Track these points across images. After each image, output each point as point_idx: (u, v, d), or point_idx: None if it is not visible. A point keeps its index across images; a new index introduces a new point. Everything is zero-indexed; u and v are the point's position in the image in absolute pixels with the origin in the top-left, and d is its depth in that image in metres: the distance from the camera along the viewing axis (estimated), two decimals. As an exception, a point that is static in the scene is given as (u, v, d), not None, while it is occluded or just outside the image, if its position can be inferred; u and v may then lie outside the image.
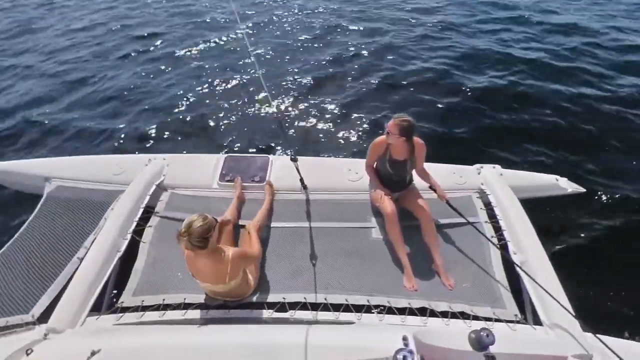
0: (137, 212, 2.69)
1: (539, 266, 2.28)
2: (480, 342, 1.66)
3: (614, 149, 4.31)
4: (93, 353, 1.50)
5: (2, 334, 1.94)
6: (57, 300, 2.11)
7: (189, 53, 6.92)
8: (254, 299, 2.26)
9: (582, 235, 3.32)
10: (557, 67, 5.97)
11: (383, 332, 1.82)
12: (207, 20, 8.49)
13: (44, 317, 2.03)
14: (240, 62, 6.40)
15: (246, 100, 5.37)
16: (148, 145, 4.61)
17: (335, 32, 7.53)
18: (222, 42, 7.12)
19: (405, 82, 5.68)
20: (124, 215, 2.60)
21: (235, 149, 4.44)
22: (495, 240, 2.57)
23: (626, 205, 3.58)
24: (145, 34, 7.84)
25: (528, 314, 2.23)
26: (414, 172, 2.74)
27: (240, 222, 2.75)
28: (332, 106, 5.19)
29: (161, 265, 2.49)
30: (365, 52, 6.65)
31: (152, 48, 7.24)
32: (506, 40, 6.97)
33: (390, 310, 2.18)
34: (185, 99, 5.51)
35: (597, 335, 1.83)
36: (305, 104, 5.25)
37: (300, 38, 7.20)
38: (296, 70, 6.09)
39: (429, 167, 2.79)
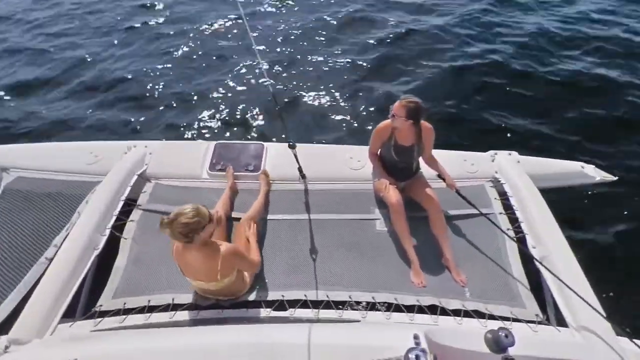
0: (116, 205, 2.43)
1: (562, 262, 2.09)
2: (499, 343, 1.48)
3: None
4: None
5: None
6: (22, 307, 1.86)
7: (174, 31, 6.47)
8: (250, 297, 2.08)
9: (613, 228, 3.10)
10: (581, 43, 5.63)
11: (391, 331, 1.69)
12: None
13: (4, 327, 1.78)
14: (235, 43, 6.00)
15: (238, 81, 5.05)
16: (126, 131, 4.29)
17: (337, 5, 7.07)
18: (216, 24, 6.69)
19: (411, 63, 5.36)
20: (101, 208, 2.34)
21: (227, 135, 4.17)
22: (511, 233, 2.38)
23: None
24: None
25: (550, 314, 2.06)
26: (421, 159, 2.55)
27: (234, 215, 2.54)
28: (333, 89, 4.89)
29: (145, 263, 2.26)
30: (370, 31, 6.27)
31: (133, 24, 6.77)
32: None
33: (397, 308, 2.02)
34: (168, 79, 5.15)
35: (634, 340, 1.65)
36: (305, 86, 4.93)
37: (299, 19, 6.78)
38: (295, 50, 5.73)
39: (438, 153, 2.59)
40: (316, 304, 2.02)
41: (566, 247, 2.17)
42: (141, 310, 1.97)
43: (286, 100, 4.67)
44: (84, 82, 5.25)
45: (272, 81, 4.32)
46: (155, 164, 2.78)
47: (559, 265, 2.07)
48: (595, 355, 1.68)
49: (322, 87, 4.91)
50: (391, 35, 5.99)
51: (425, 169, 2.60)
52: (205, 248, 1.80)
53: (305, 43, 5.90)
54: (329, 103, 4.68)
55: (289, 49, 5.71)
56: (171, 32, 6.36)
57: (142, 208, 2.53)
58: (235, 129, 4.31)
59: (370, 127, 2.54)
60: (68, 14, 7.34)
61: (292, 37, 6.08)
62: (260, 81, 4.92)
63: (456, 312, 2.01)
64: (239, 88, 4.92)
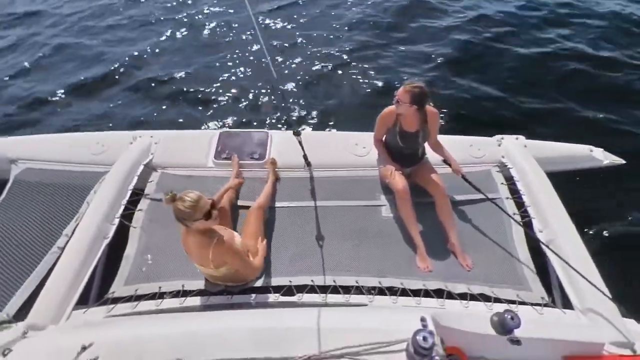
0: (124, 194, 2.46)
1: (569, 245, 2.09)
2: (504, 325, 1.51)
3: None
4: (84, 348, 1.36)
5: None
6: (36, 294, 1.91)
7: (176, 18, 6.38)
8: (258, 283, 2.11)
9: (621, 212, 3.07)
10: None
11: (398, 314, 1.71)
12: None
13: (21, 314, 1.84)
14: (237, 25, 5.91)
15: (242, 70, 4.99)
16: (131, 122, 4.27)
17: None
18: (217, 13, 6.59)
19: (416, 49, 5.25)
20: (109, 198, 2.37)
21: (231, 123, 4.15)
22: (518, 217, 2.37)
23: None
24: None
25: (557, 296, 2.07)
26: (426, 145, 2.52)
27: (240, 203, 2.56)
28: (336, 75, 4.82)
29: (155, 250, 2.30)
30: (365, 12, 6.16)
31: (132, 13, 6.69)
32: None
33: (404, 292, 2.05)
34: (171, 68, 5.10)
35: None
36: (308, 73, 4.87)
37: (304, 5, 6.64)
38: (299, 34, 5.64)
39: (443, 139, 2.56)
40: (323, 289, 2.05)
41: (573, 230, 2.16)
42: (152, 296, 2.01)
43: (290, 87, 4.62)
44: (84, 73, 5.24)
45: (274, 68, 4.26)
46: (161, 153, 2.79)
47: (565, 249, 2.07)
48: (601, 337, 1.68)
49: (325, 74, 4.86)
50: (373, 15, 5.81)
51: (430, 154, 2.58)
52: (201, 235, 1.83)
53: (309, 29, 5.80)
54: (333, 90, 4.62)
55: (294, 36, 5.63)
56: (170, 21, 6.29)
57: (149, 197, 2.55)
58: (239, 117, 4.28)
59: (375, 113, 2.50)
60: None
61: (297, 23, 5.98)
62: (264, 69, 4.86)
63: (462, 296, 2.02)
64: (243, 76, 4.87)
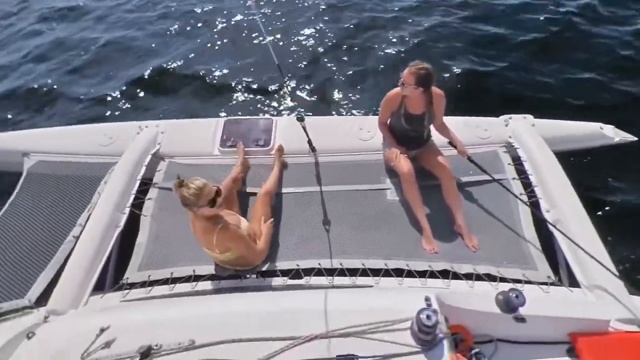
0: (134, 184, 2.51)
1: (576, 224, 2.08)
2: (509, 304, 1.52)
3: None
4: (102, 330, 1.42)
5: None
6: (55, 281, 1.99)
7: (173, 7, 6.32)
8: (267, 267, 2.16)
9: (633, 190, 3.01)
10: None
11: (403, 294, 1.73)
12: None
13: (42, 300, 1.92)
14: (239, 17, 5.82)
15: (242, 55, 4.95)
16: (135, 111, 4.31)
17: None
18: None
19: (421, 28, 5.12)
20: (119, 188, 2.43)
21: (236, 111, 4.15)
22: (524, 197, 2.36)
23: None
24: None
25: (563, 275, 2.07)
26: (431, 127, 2.49)
27: (247, 190, 2.59)
28: (340, 59, 4.75)
29: (166, 237, 2.36)
30: None
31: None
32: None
33: (409, 274, 2.07)
34: (173, 56, 5.08)
35: None
36: (311, 58, 4.81)
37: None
38: (300, 21, 5.54)
39: (449, 120, 2.54)
40: (330, 272, 2.09)
41: (581, 209, 2.15)
42: (165, 281, 2.08)
43: (293, 73, 4.58)
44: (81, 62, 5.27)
45: (278, 59, 4.22)
46: (167, 142, 2.82)
47: (572, 228, 2.06)
48: (607, 313, 1.69)
49: (329, 58, 4.79)
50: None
51: (436, 136, 2.56)
52: (206, 221, 1.88)
53: (310, 13, 5.69)
54: (336, 74, 4.56)
55: (295, 20, 5.53)
56: (167, 11, 6.23)
57: (158, 186, 2.60)
58: (243, 104, 4.28)
59: (379, 97, 2.47)
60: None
61: (297, 8, 5.87)
62: (265, 55, 4.81)
63: (468, 276, 2.04)
64: (245, 63, 4.83)
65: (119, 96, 4.61)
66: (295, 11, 5.80)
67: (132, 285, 2.08)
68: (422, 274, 2.06)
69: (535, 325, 1.59)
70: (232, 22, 5.72)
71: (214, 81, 4.63)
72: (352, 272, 2.08)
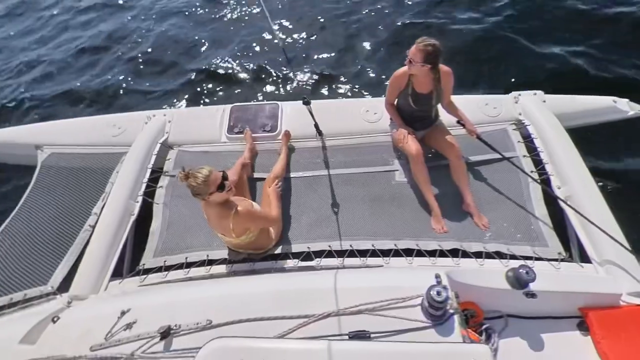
0: (144, 173, 2.56)
1: (587, 200, 2.06)
2: (520, 280, 1.54)
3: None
4: (123, 313, 1.49)
5: (23, 307, 1.93)
6: (75, 269, 2.07)
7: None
8: (278, 250, 2.21)
9: None
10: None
11: (414, 273, 1.75)
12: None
13: (63, 286, 2.01)
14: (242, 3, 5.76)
15: (248, 41, 4.88)
16: (143, 101, 4.32)
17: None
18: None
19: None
20: (131, 177, 2.48)
21: (241, 97, 4.13)
22: (535, 175, 2.33)
23: None
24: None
25: (574, 251, 2.07)
26: (440, 106, 2.45)
27: (255, 175, 2.61)
28: (344, 40, 4.65)
29: (178, 224, 2.41)
30: None
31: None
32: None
33: (419, 253, 2.09)
34: (176, 44, 5.05)
35: None
36: (315, 40, 4.72)
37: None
38: (304, 2, 5.42)
39: (458, 99, 2.49)
40: (341, 254, 2.12)
41: (592, 185, 2.12)
42: (180, 266, 2.14)
43: (297, 56, 4.50)
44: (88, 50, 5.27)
45: (281, 37, 4.16)
46: (175, 131, 2.84)
47: (584, 204, 2.05)
48: (618, 287, 1.69)
49: (333, 39, 4.69)
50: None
51: (444, 116, 2.52)
52: (220, 207, 1.90)
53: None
54: (342, 56, 4.47)
55: (298, 2, 5.41)
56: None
57: (168, 174, 2.64)
58: (248, 90, 4.25)
59: (385, 77, 2.44)
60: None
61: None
62: (269, 39, 4.76)
63: (478, 255, 2.05)
64: (249, 47, 4.77)
65: (123, 86, 4.62)
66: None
67: (148, 271, 2.15)
68: (431, 254, 2.08)
69: (546, 301, 1.60)
70: (234, 5, 5.64)
71: (218, 67, 4.59)
72: (362, 253, 2.10)
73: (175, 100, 4.28)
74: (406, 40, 3.97)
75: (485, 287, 1.61)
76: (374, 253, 2.11)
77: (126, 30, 5.60)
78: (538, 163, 2.40)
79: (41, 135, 2.90)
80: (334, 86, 4.14)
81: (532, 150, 2.48)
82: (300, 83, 4.18)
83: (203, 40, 5.10)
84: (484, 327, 1.64)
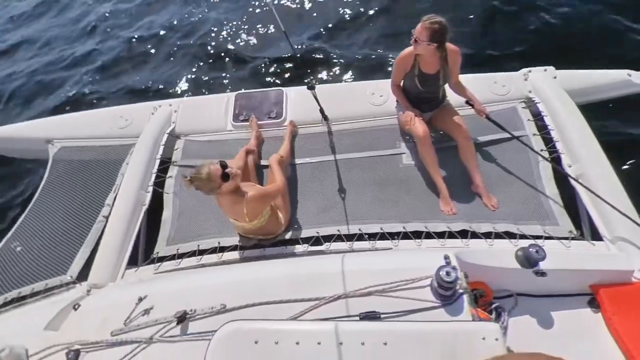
0: (153, 163, 2.59)
1: (599, 177, 2.03)
2: (529, 259, 1.54)
3: None
4: (140, 299, 1.54)
5: (44, 296, 2.01)
6: (91, 259, 2.13)
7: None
8: (287, 235, 2.24)
9: None
10: None
11: (423, 254, 1.76)
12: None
13: (81, 276, 2.08)
14: None
15: (248, 23, 4.81)
16: (147, 92, 4.33)
17: None
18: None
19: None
20: (141, 168, 2.51)
21: (244, 83, 4.10)
22: (545, 153, 2.30)
23: None
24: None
25: (585, 230, 2.05)
26: (447, 86, 2.41)
27: (262, 163, 2.62)
28: (347, 22, 4.54)
29: (189, 212, 2.46)
30: None
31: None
32: None
33: (428, 236, 2.10)
34: (176, 30, 5.00)
35: None
36: (318, 22, 4.61)
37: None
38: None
39: (465, 78, 2.44)
40: (350, 238, 2.14)
41: (604, 162, 2.08)
42: (193, 253, 2.19)
43: (301, 39, 4.43)
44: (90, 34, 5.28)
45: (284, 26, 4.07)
46: (181, 121, 2.86)
47: (595, 181, 2.02)
48: (630, 264, 1.68)
49: (335, 21, 4.59)
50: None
51: (452, 96, 2.48)
52: (232, 195, 1.96)
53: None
54: (345, 37, 4.38)
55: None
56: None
57: (177, 164, 2.67)
58: (251, 76, 4.22)
59: (392, 58, 2.39)
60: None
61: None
62: (271, 22, 4.67)
63: (487, 235, 2.05)
64: (250, 32, 4.70)
65: (125, 75, 4.63)
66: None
67: (162, 259, 2.20)
68: (440, 235, 2.08)
69: (556, 279, 1.60)
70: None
71: (220, 53, 4.55)
72: (371, 236, 2.12)
73: (177, 89, 4.26)
74: (414, 20, 3.88)
75: (494, 267, 1.61)
76: (382, 236, 2.12)
77: (119, 17, 5.55)
78: (548, 141, 2.36)
79: (51, 129, 2.94)
80: (338, 69, 4.07)
81: (542, 128, 2.43)
82: (304, 66, 4.11)
83: (201, 24, 5.03)
84: (494, 306, 1.65)
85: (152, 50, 4.91)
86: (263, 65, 4.31)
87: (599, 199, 1.92)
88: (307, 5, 4.92)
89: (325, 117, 2.67)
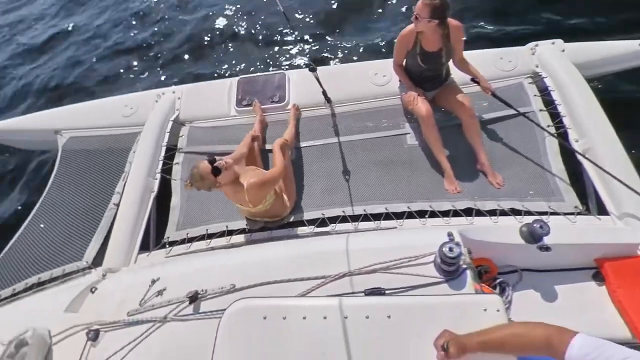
0: (160, 151, 2.63)
1: (607, 152, 2.00)
2: (533, 234, 1.54)
3: None
4: (154, 281, 1.60)
5: (62, 281, 2.10)
6: (105, 245, 2.20)
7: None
8: (293, 218, 2.27)
9: None
10: None
11: (426, 232, 1.78)
12: None
13: (96, 261, 2.16)
14: None
15: (247, 11, 4.74)
16: (149, 80, 4.34)
17: None
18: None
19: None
20: (148, 156, 2.56)
21: (245, 68, 4.08)
22: (552, 129, 2.27)
23: None
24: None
25: (591, 204, 2.04)
26: (451, 64, 2.37)
27: (267, 147, 2.63)
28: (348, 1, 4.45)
29: (197, 198, 2.49)
30: None
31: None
32: None
33: (433, 215, 2.10)
34: (174, 17, 4.95)
35: None
36: (317, 3, 4.53)
37: None
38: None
39: (470, 55, 2.39)
40: (355, 218, 2.16)
41: (613, 136, 2.05)
42: (202, 237, 2.25)
43: (301, 20, 4.34)
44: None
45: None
46: (185, 108, 2.87)
47: (603, 156, 1.99)
48: (636, 237, 1.67)
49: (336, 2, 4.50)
50: None
51: (456, 74, 2.44)
52: (232, 185, 2.01)
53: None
54: (346, 16, 4.29)
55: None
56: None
57: (183, 151, 2.70)
58: (252, 59, 4.18)
59: (394, 36, 2.34)
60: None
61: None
62: (270, 5, 4.59)
63: (492, 212, 2.05)
64: (248, 12, 4.63)
65: (124, 64, 4.62)
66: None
67: (173, 243, 2.26)
68: (445, 214, 2.09)
69: (561, 253, 1.61)
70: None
71: (218, 37, 4.50)
72: (376, 216, 2.13)
73: (178, 75, 4.24)
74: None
75: (498, 243, 1.62)
76: (387, 216, 2.13)
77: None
78: (555, 116, 2.32)
79: (58, 120, 2.99)
80: (339, 49, 4.00)
81: (549, 103, 2.38)
82: (305, 48, 4.05)
83: (196, 7, 4.96)
84: (498, 281, 1.68)
85: (148, 34, 4.87)
86: (261, 47, 4.25)
87: (605, 173, 1.91)
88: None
89: (328, 100, 2.65)
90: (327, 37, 4.14)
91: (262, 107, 2.77)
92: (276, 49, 4.20)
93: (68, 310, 1.61)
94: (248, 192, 1.96)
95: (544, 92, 2.44)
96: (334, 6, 4.43)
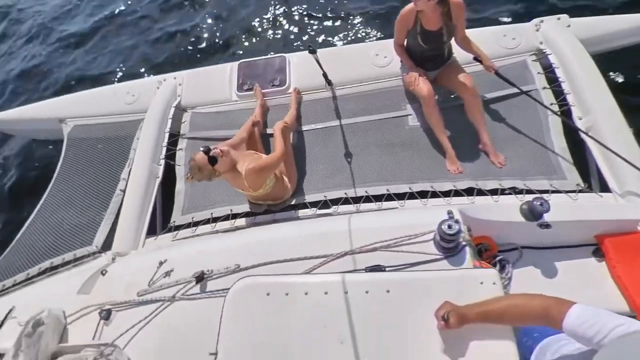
0: (163, 137, 2.66)
1: (611, 129, 1.98)
2: (534, 211, 1.55)
3: None
4: (161, 263, 1.66)
5: (74, 265, 2.17)
6: (113, 230, 2.26)
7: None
8: (296, 200, 2.29)
9: None
10: None
11: (427, 212, 1.79)
12: None
13: (106, 245, 2.22)
14: None
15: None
16: (150, 66, 4.31)
17: None
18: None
19: None
20: (151, 142, 2.58)
21: (245, 52, 4.03)
22: (555, 107, 2.24)
23: None
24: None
25: (594, 182, 2.04)
26: (454, 43, 2.33)
27: (269, 131, 2.64)
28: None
29: (201, 183, 2.47)
30: None
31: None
32: None
33: (434, 195, 2.11)
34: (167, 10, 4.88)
35: None
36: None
37: None
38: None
39: (472, 33, 2.34)
40: (356, 200, 2.18)
41: (617, 113, 2.02)
42: (207, 221, 2.29)
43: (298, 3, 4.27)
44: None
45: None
46: (187, 93, 2.88)
47: (606, 134, 1.97)
48: (637, 213, 1.68)
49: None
50: None
51: (459, 52, 2.40)
52: (231, 172, 2.05)
53: None
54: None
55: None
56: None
57: (186, 137, 2.72)
58: (252, 43, 4.13)
59: (395, 15, 2.30)
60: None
61: None
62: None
63: (493, 192, 2.06)
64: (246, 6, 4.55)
65: (124, 53, 4.60)
66: None
67: (179, 227, 2.31)
68: (446, 194, 2.10)
69: (561, 230, 1.62)
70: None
71: (219, 24, 4.42)
72: (378, 198, 2.15)
73: (177, 60, 4.21)
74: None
75: (499, 221, 1.63)
76: (389, 197, 2.15)
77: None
78: (559, 94, 2.28)
79: (63, 108, 3.02)
80: (340, 30, 3.92)
81: (553, 80, 2.35)
82: (304, 29, 3.98)
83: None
84: (498, 258, 1.70)
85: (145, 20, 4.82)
86: (259, 29, 4.19)
87: (608, 150, 1.89)
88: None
89: (329, 82, 2.64)
90: (326, 16, 4.05)
91: (263, 91, 2.76)
92: (274, 30, 4.13)
93: (81, 292, 1.67)
94: (246, 178, 1.99)
95: (548, 70, 2.40)
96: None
